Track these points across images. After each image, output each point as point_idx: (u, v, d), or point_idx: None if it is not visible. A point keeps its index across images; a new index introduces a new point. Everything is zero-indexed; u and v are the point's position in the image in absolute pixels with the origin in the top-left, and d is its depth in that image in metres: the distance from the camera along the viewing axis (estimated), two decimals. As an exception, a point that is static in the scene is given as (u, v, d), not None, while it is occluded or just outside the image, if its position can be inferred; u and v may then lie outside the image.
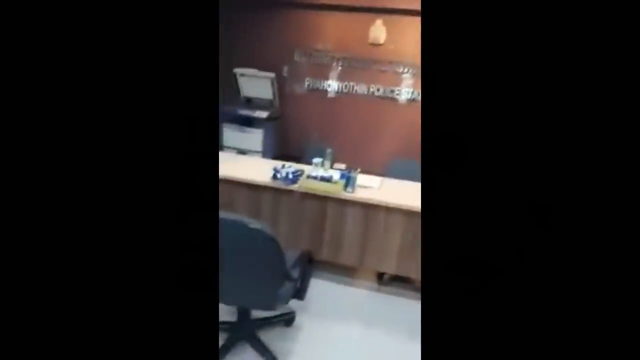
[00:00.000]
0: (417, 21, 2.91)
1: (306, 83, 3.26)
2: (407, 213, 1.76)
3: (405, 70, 3.03)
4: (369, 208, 1.81)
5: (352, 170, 1.86)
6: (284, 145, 3.36)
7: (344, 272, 2.13)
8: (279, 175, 1.84)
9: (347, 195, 1.80)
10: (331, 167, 2.17)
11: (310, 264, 1.60)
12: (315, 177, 1.85)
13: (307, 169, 2.04)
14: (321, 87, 3.24)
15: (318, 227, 1.90)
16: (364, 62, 3.08)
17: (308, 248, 1.91)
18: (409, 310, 1.88)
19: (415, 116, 3.09)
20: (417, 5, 2.83)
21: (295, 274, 1.31)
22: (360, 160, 3.21)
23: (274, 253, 1.12)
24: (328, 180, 1.84)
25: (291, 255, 1.35)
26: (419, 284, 2.07)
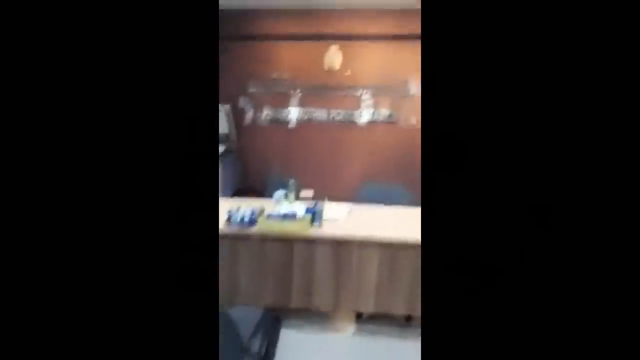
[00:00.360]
0: (371, 45, 2.95)
1: (264, 113, 3.13)
2: (380, 245, 1.62)
3: (364, 93, 3.01)
4: (339, 244, 1.64)
5: (318, 203, 1.70)
6: (245, 179, 3.17)
7: (318, 317, 1.92)
8: (232, 219, 1.63)
9: (314, 232, 1.63)
10: (296, 198, 2.01)
11: (277, 324, 1.38)
12: (277, 216, 1.66)
13: (269, 204, 1.86)
14: (280, 116, 3.13)
15: (284, 272, 1.69)
16: (322, 89, 3.03)
17: (274, 302, 1.69)
18: (394, 350, 1.70)
19: (377, 137, 3.07)
20: (370, 30, 2.87)
21: (256, 344, 1.09)
22: (326, 186, 3.09)
23: (226, 328, 0.90)
24: (292, 217, 1.66)
25: (251, 320, 1.14)
26: (401, 320, 1.91)
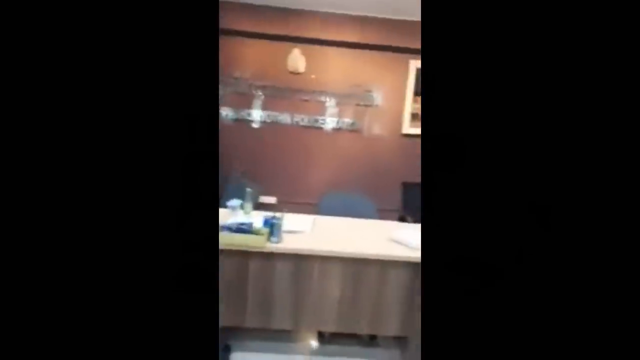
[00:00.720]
0: (337, 51, 2.89)
1: (224, 113, 2.92)
2: (344, 260, 1.51)
3: (329, 99, 2.94)
4: (300, 259, 1.50)
5: (276, 216, 1.55)
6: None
7: (278, 336, 1.75)
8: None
9: (272, 246, 1.48)
10: (255, 207, 1.84)
11: (226, 354, 1.19)
12: (230, 228, 1.48)
13: (223, 214, 1.67)
14: (242, 117, 2.94)
15: (238, 290, 1.51)
16: (285, 91, 2.90)
17: (226, 321, 1.49)
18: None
19: (341, 145, 3.00)
20: (336, 37, 2.81)
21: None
22: (290, 193, 2.95)
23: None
24: (247, 230, 1.49)
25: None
26: (365, 339, 1.80)
